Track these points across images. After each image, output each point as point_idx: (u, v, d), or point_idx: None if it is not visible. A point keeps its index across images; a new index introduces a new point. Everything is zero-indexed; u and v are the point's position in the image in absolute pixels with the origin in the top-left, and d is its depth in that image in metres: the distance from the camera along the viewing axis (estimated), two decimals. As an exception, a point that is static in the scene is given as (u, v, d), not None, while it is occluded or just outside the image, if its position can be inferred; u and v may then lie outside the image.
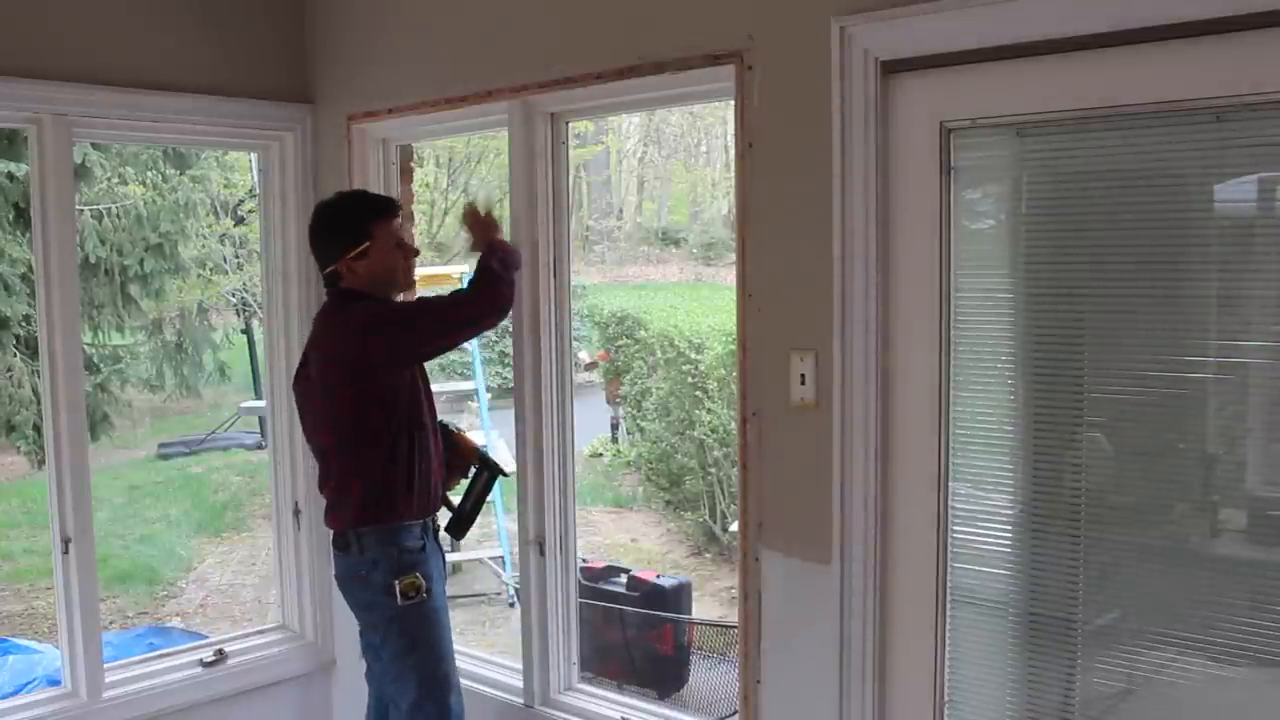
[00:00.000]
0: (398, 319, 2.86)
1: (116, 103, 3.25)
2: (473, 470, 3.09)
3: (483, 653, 3.69)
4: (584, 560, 5.66)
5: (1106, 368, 2.21)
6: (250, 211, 11.29)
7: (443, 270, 10.56)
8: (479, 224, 3.02)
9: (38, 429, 7.97)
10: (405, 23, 3.38)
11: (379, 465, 2.81)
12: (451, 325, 2.89)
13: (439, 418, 3.03)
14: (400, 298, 3.03)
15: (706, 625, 5.95)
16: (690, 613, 5.82)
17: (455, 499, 3.12)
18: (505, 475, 3.14)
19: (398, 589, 2.79)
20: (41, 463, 8.19)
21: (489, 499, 3.10)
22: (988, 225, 2.41)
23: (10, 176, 7.44)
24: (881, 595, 2.42)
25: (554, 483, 3.21)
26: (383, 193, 3.52)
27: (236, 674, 3.65)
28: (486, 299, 2.87)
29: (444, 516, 3.08)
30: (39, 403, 7.70)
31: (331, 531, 2.95)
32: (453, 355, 11.96)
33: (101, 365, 8.82)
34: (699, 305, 11.01)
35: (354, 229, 2.83)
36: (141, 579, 8.05)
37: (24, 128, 3.20)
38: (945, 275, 2.30)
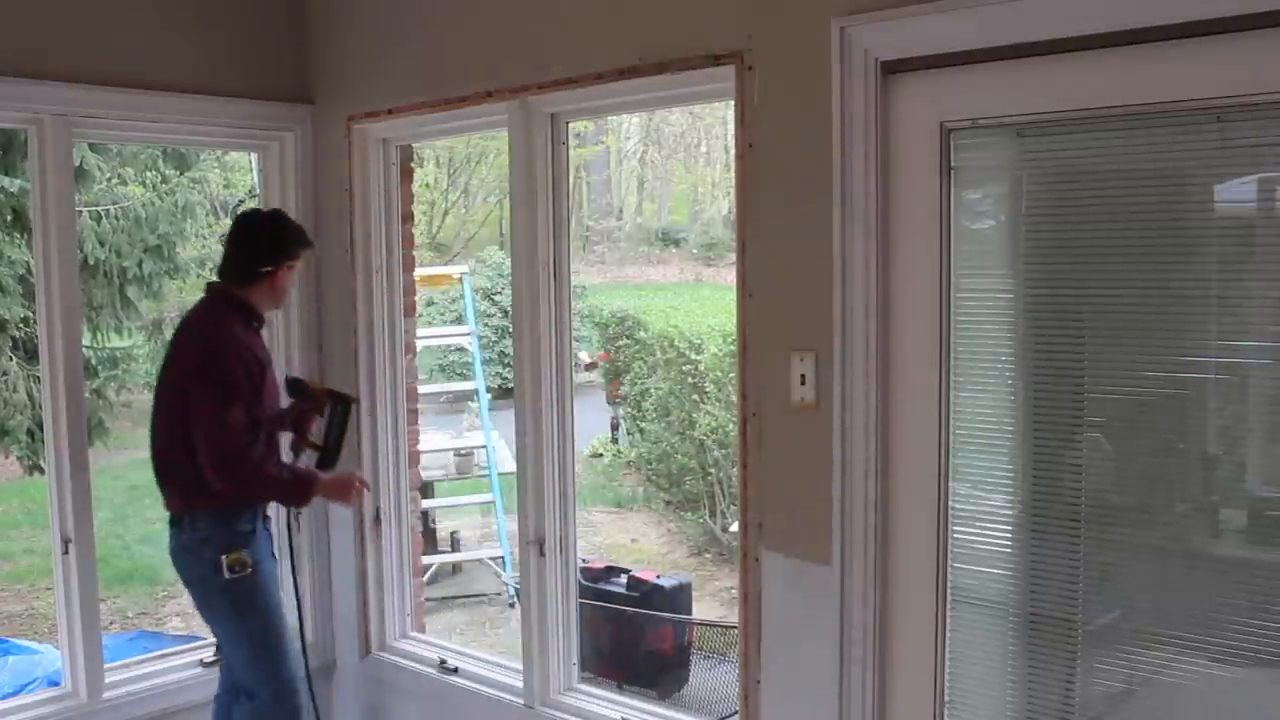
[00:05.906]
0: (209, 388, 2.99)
1: (116, 103, 3.25)
2: (328, 408, 3.28)
3: (483, 653, 3.70)
4: (584, 560, 5.65)
5: (1106, 368, 2.21)
6: (250, 212, 11.26)
7: (443, 270, 10.56)
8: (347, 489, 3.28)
9: (32, 434, 7.90)
10: (405, 23, 3.38)
11: None
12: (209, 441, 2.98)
13: (294, 373, 3.48)
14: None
15: (706, 625, 5.94)
16: (690, 613, 5.80)
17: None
18: (355, 403, 3.40)
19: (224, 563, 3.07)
20: (33, 468, 8.13)
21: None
22: (988, 225, 2.41)
23: (4, 191, 7.40)
24: (881, 595, 2.42)
25: (554, 483, 3.22)
26: (380, 194, 3.56)
27: (236, 674, 3.63)
28: (239, 471, 2.99)
29: (312, 457, 3.27)
30: (34, 407, 7.66)
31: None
32: (453, 355, 11.95)
33: (99, 369, 8.76)
34: (699, 305, 10.99)
35: None
36: (141, 579, 8.03)
37: (24, 128, 3.21)
38: (945, 275, 2.30)
